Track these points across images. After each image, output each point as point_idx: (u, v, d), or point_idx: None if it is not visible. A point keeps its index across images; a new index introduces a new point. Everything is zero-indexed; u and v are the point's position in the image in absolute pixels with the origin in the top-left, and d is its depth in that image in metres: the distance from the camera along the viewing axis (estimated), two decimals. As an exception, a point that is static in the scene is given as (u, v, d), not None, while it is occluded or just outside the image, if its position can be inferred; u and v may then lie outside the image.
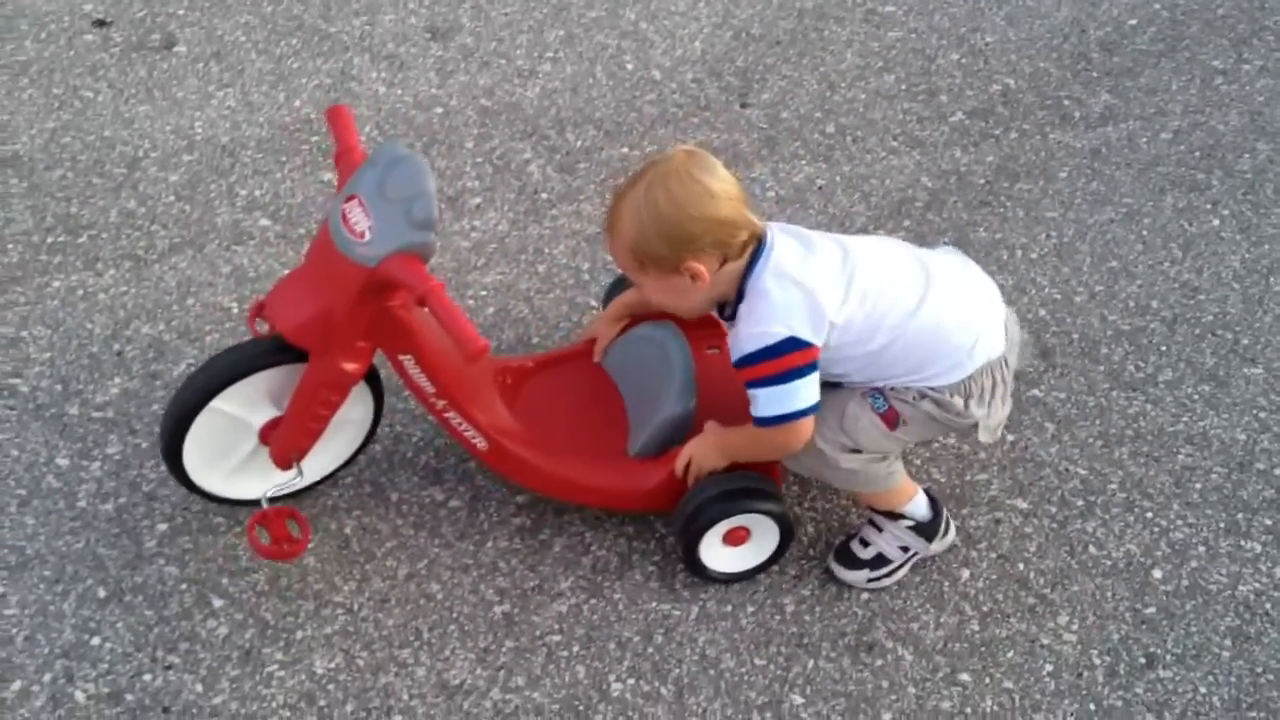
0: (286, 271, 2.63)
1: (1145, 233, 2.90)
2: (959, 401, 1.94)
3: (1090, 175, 3.06)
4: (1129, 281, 2.76)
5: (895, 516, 2.13)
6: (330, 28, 3.38)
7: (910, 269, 1.93)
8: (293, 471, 2.07)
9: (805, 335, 1.81)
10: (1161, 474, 2.36)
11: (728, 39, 3.47)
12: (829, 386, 1.94)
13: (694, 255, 1.80)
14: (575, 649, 2.05)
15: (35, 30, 3.30)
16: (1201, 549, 2.24)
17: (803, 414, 1.85)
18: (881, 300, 1.87)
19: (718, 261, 1.83)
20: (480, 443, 2.07)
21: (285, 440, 2.02)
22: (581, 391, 2.25)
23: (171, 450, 1.99)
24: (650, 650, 2.06)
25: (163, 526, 2.17)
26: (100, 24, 3.33)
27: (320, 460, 2.17)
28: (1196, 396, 2.51)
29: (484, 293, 2.64)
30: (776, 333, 1.80)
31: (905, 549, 2.13)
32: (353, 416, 2.13)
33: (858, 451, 1.98)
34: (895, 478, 2.07)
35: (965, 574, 2.18)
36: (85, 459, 2.27)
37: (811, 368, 1.84)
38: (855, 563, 2.14)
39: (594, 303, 2.64)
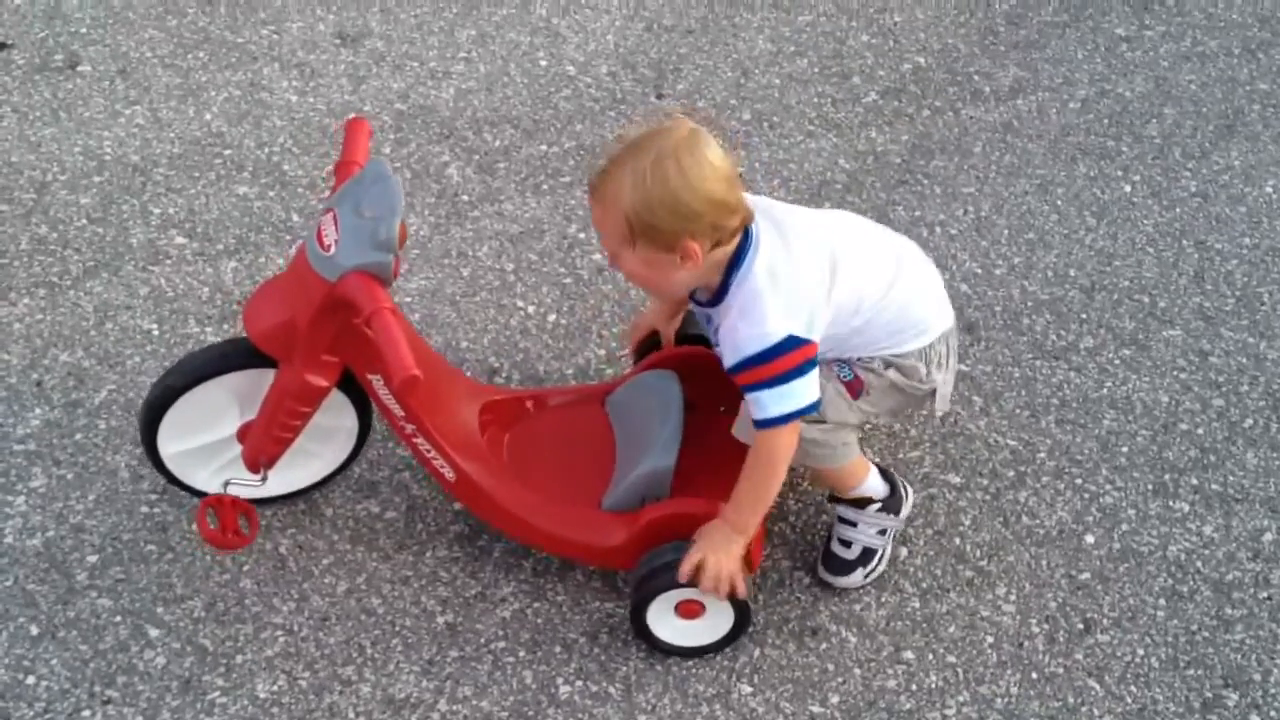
0: (205, 290, 2.60)
1: (1060, 202, 2.94)
2: (921, 368, 1.97)
3: (1003, 149, 3.10)
4: (1046, 251, 2.81)
5: (862, 504, 2.14)
6: (237, 38, 3.33)
7: (883, 248, 1.98)
8: (258, 475, 2.05)
9: (802, 332, 1.79)
10: (1088, 440, 2.40)
11: (640, 30, 3.47)
12: None
13: (691, 235, 1.73)
14: (521, 654, 2.05)
15: (-69, 56, 3.22)
16: (1131, 512, 2.28)
17: (804, 411, 1.82)
18: (862, 283, 1.88)
19: (710, 244, 1.77)
20: (448, 472, 2.03)
21: (255, 445, 2.00)
22: (577, 435, 2.18)
23: (150, 425, 2.00)
24: (596, 650, 2.06)
25: (93, 558, 2.13)
26: (0, 47, 3.25)
27: (304, 471, 2.18)
28: (1118, 361, 2.56)
29: (409, 299, 2.62)
30: (773, 332, 1.77)
31: (883, 531, 2.15)
32: (343, 424, 2.13)
33: (821, 421, 1.97)
34: (851, 449, 2.06)
35: (904, 552, 2.21)
36: (9, 494, 2.22)
37: (811, 364, 1.81)
38: (845, 566, 2.14)
39: (520, 303, 2.63)
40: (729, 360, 1.82)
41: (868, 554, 2.14)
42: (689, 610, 1.99)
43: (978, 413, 2.44)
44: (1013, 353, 2.57)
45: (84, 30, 3.33)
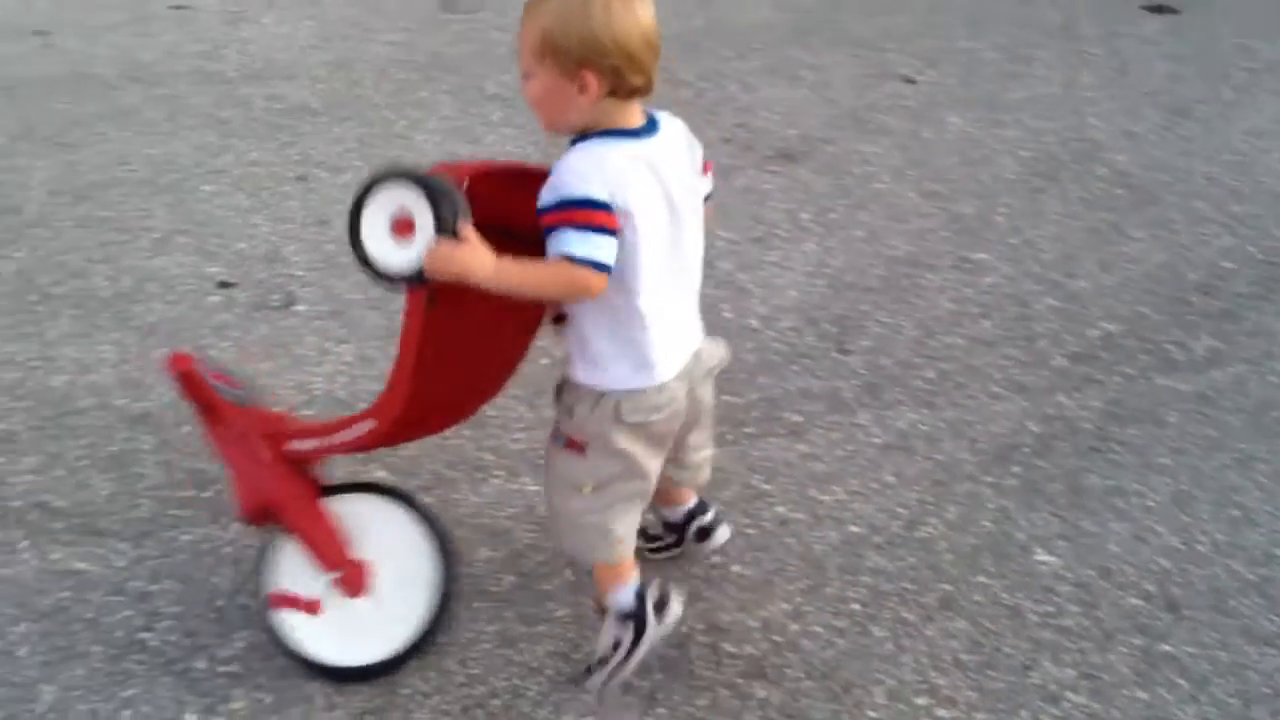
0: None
1: (1263, 479, 2.86)
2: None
3: (1201, 420, 3.05)
4: (1252, 529, 2.72)
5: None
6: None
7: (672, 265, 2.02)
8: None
9: (604, 199, 1.84)
10: (1308, 734, 2.27)
11: (822, 287, 3.56)
12: None
13: (592, 68, 1.84)
14: None
15: (164, 292, 3.47)
16: (1363, 817, 2.13)
17: (594, 265, 1.84)
18: (638, 258, 1.92)
19: (607, 87, 1.86)
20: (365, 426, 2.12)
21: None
22: None
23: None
24: None
25: None
26: (225, 285, 3.50)
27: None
28: (1336, 650, 2.43)
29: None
30: (585, 191, 1.83)
31: (617, 644, 2.16)
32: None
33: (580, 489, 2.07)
34: (619, 549, 2.13)
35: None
36: (211, 714, 2.26)
37: (612, 233, 1.84)
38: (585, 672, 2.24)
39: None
40: (540, 200, 1.87)
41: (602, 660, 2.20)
42: (401, 229, 1.89)
43: (1185, 698, 2.33)
44: (1220, 635, 2.46)
45: (300, 273, 3.56)
